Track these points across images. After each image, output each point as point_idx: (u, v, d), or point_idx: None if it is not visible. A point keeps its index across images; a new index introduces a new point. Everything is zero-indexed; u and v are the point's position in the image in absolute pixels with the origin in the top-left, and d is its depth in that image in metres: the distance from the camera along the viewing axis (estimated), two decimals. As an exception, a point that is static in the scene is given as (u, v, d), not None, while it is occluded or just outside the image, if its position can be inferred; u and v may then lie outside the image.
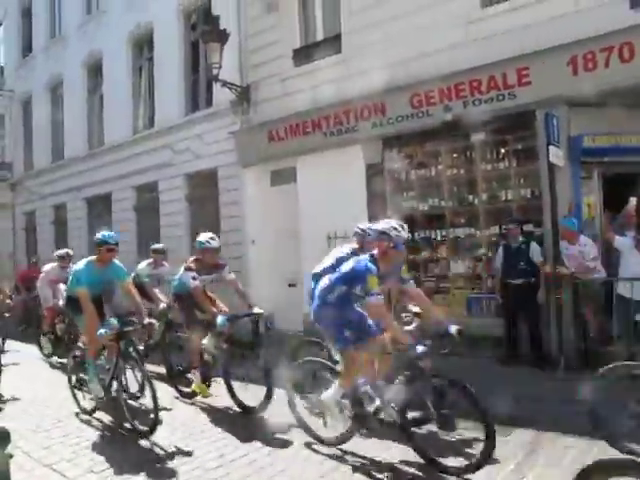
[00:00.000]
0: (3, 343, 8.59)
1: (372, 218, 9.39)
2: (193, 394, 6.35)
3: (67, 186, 16.26)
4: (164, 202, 13.27)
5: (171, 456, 4.68)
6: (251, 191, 11.31)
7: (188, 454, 4.70)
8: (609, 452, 3.89)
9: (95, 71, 15.77)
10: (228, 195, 11.74)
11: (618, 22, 6.78)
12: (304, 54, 10.61)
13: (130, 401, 5.64)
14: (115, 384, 5.48)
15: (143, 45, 14.31)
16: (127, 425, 5.34)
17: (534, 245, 7.50)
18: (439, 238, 8.95)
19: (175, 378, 6.81)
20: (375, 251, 4.37)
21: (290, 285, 10.61)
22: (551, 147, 7.01)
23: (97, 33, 15.19)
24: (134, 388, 5.70)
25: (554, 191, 7.11)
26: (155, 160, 13.20)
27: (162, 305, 7.90)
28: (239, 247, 11.30)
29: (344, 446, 4.66)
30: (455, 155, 8.87)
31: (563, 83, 7.30)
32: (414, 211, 9.18)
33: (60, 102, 17.14)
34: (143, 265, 8.56)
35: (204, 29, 10.78)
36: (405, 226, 4.40)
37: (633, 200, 7.40)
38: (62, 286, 8.62)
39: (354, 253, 5.17)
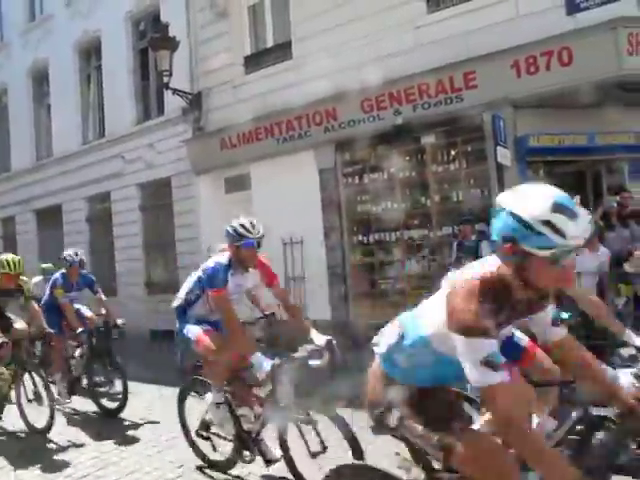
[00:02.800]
0: None
1: (327, 222, 9.51)
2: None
3: (15, 199, 15.78)
4: (117, 212, 13.04)
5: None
6: (205, 199, 11.23)
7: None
8: None
9: (41, 80, 15.37)
10: (182, 204, 11.63)
11: (557, 28, 7.08)
12: (255, 61, 10.63)
13: None
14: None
15: (91, 53, 14.05)
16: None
17: (484, 243, 7.64)
18: (393, 240, 9.08)
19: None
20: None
21: (248, 292, 10.54)
22: (499, 148, 7.22)
23: (42, 41, 14.81)
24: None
25: (503, 190, 7.23)
26: (107, 170, 12.95)
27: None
28: (195, 256, 11.19)
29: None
30: (407, 158, 9.02)
31: (508, 86, 7.54)
32: (368, 214, 9.29)
33: (5, 112, 16.64)
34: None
35: (153, 36, 10.67)
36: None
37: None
38: None
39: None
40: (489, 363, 1.90)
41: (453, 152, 8.61)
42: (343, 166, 9.51)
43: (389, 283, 9.10)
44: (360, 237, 9.42)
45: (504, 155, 7.34)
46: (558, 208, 1.81)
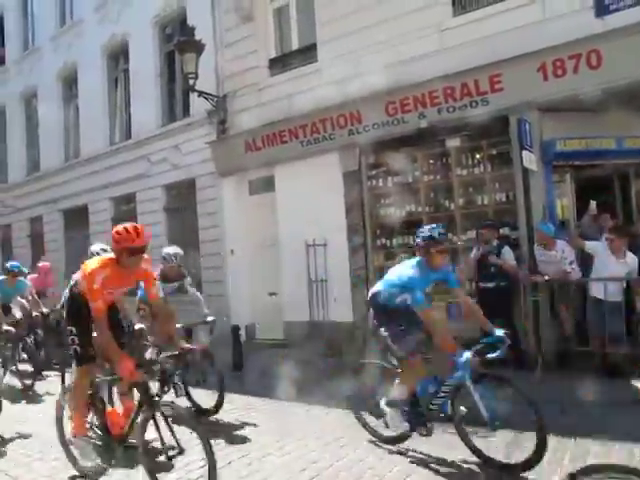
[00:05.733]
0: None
1: (350, 225, 9.50)
2: None
3: (43, 198, 16.06)
4: (142, 213, 13.17)
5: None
6: (229, 201, 11.31)
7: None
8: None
9: (70, 83, 15.64)
10: (206, 205, 11.72)
11: (585, 30, 6.97)
12: (280, 63, 10.68)
13: None
14: None
15: (119, 56, 14.25)
16: None
17: (506, 248, 7.53)
18: (417, 243, 9.01)
19: None
20: None
21: (270, 294, 10.60)
22: (525, 152, 7.14)
23: (71, 44, 15.09)
24: None
25: (528, 195, 7.22)
26: (132, 171, 13.12)
27: None
28: (218, 257, 11.29)
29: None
30: (431, 161, 8.99)
31: (534, 89, 7.46)
32: (392, 217, 9.26)
33: (35, 114, 16.96)
34: None
35: (180, 40, 10.77)
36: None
37: (593, 204, 7.56)
38: None
39: None
40: None
41: (478, 156, 8.54)
42: (367, 169, 9.49)
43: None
44: (383, 240, 9.39)
45: (530, 159, 7.25)
46: None
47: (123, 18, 13.44)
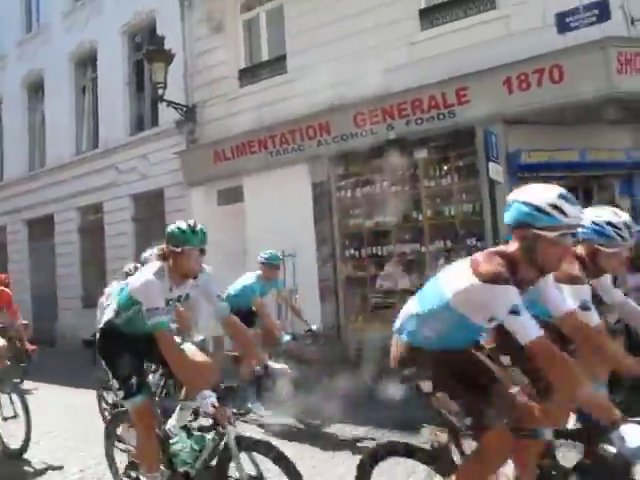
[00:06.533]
0: None
1: (319, 235, 9.51)
2: None
3: (6, 208, 15.72)
4: (109, 223, 13.00)
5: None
6: (198, 211, 11.19)
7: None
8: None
9: (36, 90, 15.39)
10: (175, 215, 11.53)
11: (547, 45, 7.18)
12: (249, 74, 10.69)
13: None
14: None
15: (87, 64, 14.10)
16: None
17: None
18: (385, 254, 9.09)
19: None
20: None
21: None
22: (491, 163, 7.25)
23: (38, 51, 14.85)
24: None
25: (495, 206, 7.33)
26: (100, 181, 12.95)
27: None
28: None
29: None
30: (399, 172, 9.05)
31: (500, 102, 7.61)
32: (361, 228, 9.31)
33: (-1, 122, 16.66)
34: None
35: (149, 49, 10.71)
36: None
37: None
38: None
39: None
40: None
41: (445, 167, 8.65)
42: (336, 180, 9.53)
43: (380, 297, 9.09)
44: (352, 251, 9.42)
45: (496, 170, 7.38)
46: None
47: (91, 25, 13.32)
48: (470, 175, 8.30)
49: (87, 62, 14.03)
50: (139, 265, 5.34)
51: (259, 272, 6.29)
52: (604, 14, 6.98)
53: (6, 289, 6.77)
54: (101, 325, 3.79)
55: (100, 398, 6.11)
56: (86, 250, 13.78)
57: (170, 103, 10.69)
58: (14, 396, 5.37)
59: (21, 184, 15.29)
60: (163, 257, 3.55)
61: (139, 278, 3.48)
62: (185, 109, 11.06)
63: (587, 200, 8.68)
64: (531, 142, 7.84)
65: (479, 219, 8.11)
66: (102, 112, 13.37)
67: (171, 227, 3.57)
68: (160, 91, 10.39)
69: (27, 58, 15.16)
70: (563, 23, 7.24)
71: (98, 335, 3.78)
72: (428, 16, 8.63)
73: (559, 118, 7.38)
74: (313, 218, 9.55)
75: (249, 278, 6.27)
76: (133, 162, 12.26)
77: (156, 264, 3.53)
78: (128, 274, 5.30)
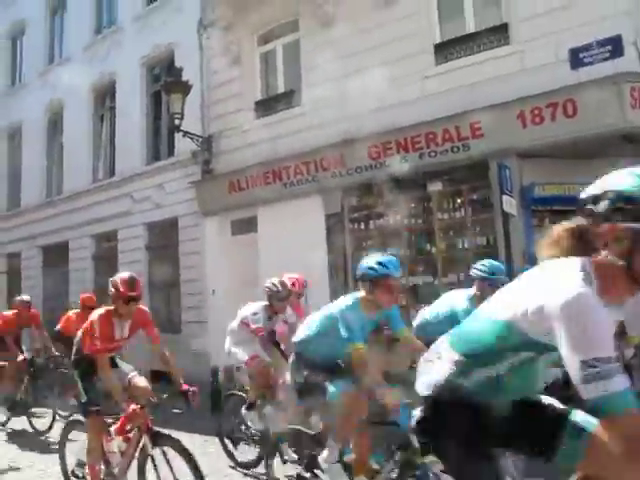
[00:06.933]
0: None
1: (332, 267, 9.49)
2: None
3: (22, 234, 15.90)
4: (123, 251, 13.09)
5: None
6: (211, 240, 11.28)
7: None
8: None
9: (56, 119, 15.72)
10: (188, 244, 11.68)
11: (561, 81, 7.23)
12: (265, 106, 10.83)
13: None
14: None
15: (105, 94, 14.38)
16: None
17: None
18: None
19: None
20: None
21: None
22: (504, 196, 7.24)
23: (59, 81, 15.13)
24: None
25: (509, 239, 7.31)
26: (115, 209, 13.09)
27: None
28: (199, 297, 11.18)
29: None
30: (413, 205, 9.06)
31: (513, 135, 7.63)
32: (374, 259, 9.27)
33: (18, 150, 16.95)
34: None
35: (167, 80, 10.92)
36: None
37: None
38: None
39: None
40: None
41: (459, 200, 8.64)
42: (349, 212, 9.56)
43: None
44: (365, 282, 9.36)
45: (510, 204, 7.36)
46: None
47: (112, 57, 13.63)
48: (484, 208, 8.28)
49: (106, 93, 14.32)
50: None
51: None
52: (617, 50, 7.02)
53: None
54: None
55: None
56: (100, 277, 13.82)
57: (186, 133, 10.84)
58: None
59: (38, 211, 15.49)
60: None
61: None
62: (201, 139, 11.21)
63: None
64: (545, 175, 7.84)
65: (493, 252, 8.05)
66: (119, 141, 13.58)
67: None
68: (177, 121, 10.54)
69: (48, 87, 15.50)
70: (577, 59, 7.29)
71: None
72: (443, 51, 8.73)
73: (573, 152, 7.38)
74: (326, 249, 9.55)
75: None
76: (148, 191, 12.39)
77: None
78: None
